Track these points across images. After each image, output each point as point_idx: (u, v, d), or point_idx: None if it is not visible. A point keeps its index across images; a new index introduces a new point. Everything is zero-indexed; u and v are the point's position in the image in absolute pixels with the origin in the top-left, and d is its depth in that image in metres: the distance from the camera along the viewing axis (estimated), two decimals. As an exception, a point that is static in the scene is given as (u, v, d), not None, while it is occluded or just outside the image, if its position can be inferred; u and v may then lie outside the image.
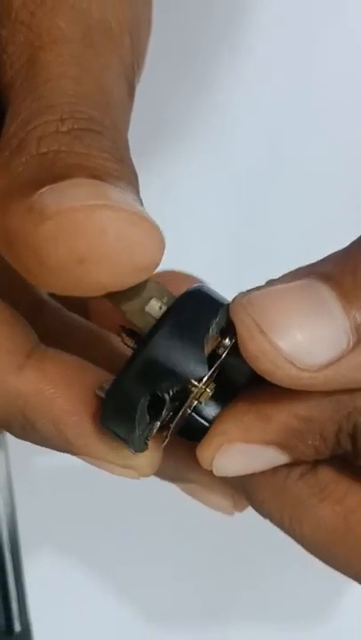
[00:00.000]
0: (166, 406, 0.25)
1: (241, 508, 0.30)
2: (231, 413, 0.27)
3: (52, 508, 0.32)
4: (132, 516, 0.44)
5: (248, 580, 0.46)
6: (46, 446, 0.27)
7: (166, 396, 0.24)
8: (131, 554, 0.45)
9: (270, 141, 0.47)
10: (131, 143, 0.43)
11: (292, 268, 0.44)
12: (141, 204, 0.25)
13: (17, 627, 0.30)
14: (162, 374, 0.24)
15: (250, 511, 0.29)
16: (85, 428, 0.26)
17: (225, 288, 0.38)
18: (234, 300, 0.25)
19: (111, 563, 0.45)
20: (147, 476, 0.27)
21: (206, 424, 0.27)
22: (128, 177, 0.24)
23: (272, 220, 0.47)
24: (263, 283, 0.30)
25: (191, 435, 0.27)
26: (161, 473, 0.30)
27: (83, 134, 0.24)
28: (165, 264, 0.37)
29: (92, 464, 0.27)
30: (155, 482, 0.30)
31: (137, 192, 0.25)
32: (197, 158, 0.47)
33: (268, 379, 0.25)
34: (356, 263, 0.25)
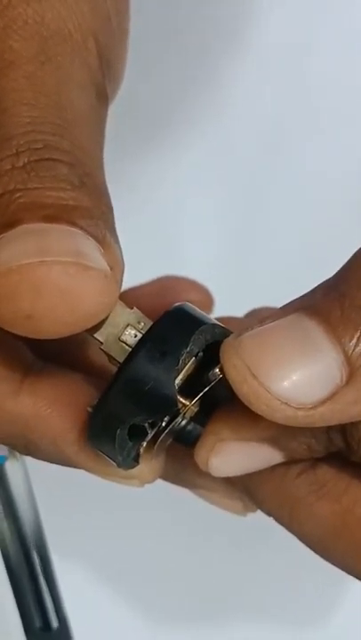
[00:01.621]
0: (148, 432, 0.25)
1: (252, 509, 0.30)
2: (222, 414, 0.27)
3: (54, 507, 0.33)
4: (132, 515, 0.44)
5: (248, 580, 0.46)
6: (51, 462, 0.28)
7: (145, 424, 0.25)
8: (130, 554, 0.46)
9: (269, 140, 0.47)
10: (128, 141, 0.43)
11: (291, 267, 0.43)
12: (106, 224, 0.25)
13: (54, 623, 0.31)
14: (132, 412, 0.25)
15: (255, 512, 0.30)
16: (83, 445, 0.27)
17: (223, 287, 0.38)
18: (224, 343, 0.25)
19: (110, 562, 0.46)
20: (149, 482, 0.28)
21: (200, 429, 0.27)
22: (87, 200, 0.24)
23: (271, 218, 0.47)
24: (261, 283, 0.30)
25: (188, 441, 0.28)
26: (169, 478, 0.30)
27: (38, 166, 0.24)
28: (163, 264, 0.37)
29: (95, 475, 0.28)
30: (159, 483, 0.30)
31: (100, 214, 0.25)
32: (195, 156, 0.47)
33: (265, 417, 0.25)
34: (342, 295, 0.25)
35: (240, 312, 0.36)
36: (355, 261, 0.26)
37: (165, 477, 0.30)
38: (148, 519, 0.45)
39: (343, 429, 0.26)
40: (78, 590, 0.36)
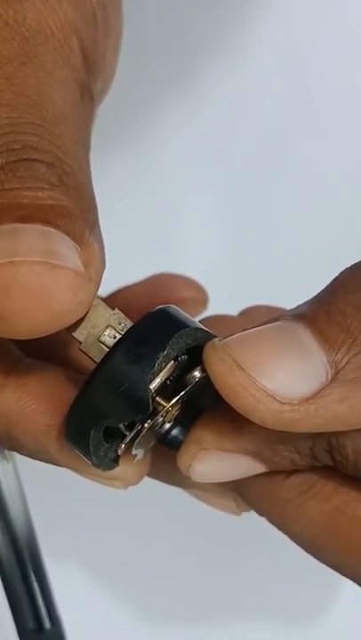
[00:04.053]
0: (126, 434, 0.25)
1: (246, 509, 0.30)
2: (206, 422, 0.27)
3: (48, 508, 0.34)
4: (126, 515, 0.44)
5: (245, 579, 0.46)
6: (35, 459, 0.28)
7: (120, 426, 0.25)
8: (124, 553, 0.46)
9: (269, 138, 0.47)
10: (128, 138, 0.43)
11: (291, 265, 0.43)
12: (86, 222, 0.25)
13: (47, 624, 0.31)
14: (105, 413, 0.24)
15: (250, 513, 0.29)
16: (64, 443, 0.27)
17: (223, 285, 0.38)
18: (209, 343, 0.25)
19: (104, 562, 0.46)
20: (133, 484, 0.28)
21: (186, 433, 0.27)
22: (66, 199, 0.24)
23: (271, 217, 0.47)
24: (260, 281, 0.29)
25: (173, 445, 0.27)
26: (161, 477, 0.30)
27: (16, 167, 0.24)
28: (163, 262, 0.37)
29: (79, 474, 0.28)
30: (154, 485, 0.30)
31: (80, 212, 0.24)
32: (195, 154, 0.47)
33: (248, 417, 0.24)
34: (328, 302, 0.25)
35: (240, 307, 0.36)
36: (340, 277, 0.26)
37: (158, 477, 0.30)
38: (142, 518, 0.45)
39: (330, 450, 0.26)
40: (71, 591, 0.36)
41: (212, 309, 0.37)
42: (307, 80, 0.46)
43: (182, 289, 0.36)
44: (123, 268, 0.35)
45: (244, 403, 0.24)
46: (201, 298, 0.36)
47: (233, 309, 0.36)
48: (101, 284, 0.34)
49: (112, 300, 0.36)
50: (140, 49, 0.45)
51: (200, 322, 0.33)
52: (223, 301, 0.37)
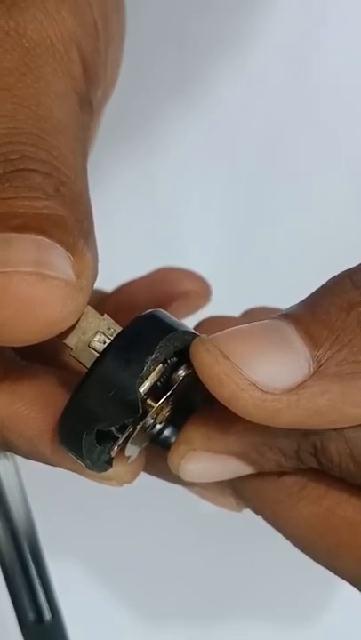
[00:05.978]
0: (118, 436, 0.26)
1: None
2: (195, 423, 0.27)
3: (47, 507, 0.34)
4: (132, 512, 0.45)
5: (248, 580, 0.47)
6: (30, 459, 0.29)
7: (112, 429, 0.25)
8: (123, 547, 0.46)
9: (271, 137, 0.47)
10: (130, 141, 0.43)
11: (293, 264, 0.43)
12: (80, 232, 0.25)
13: (47, 616, 0.32)
14: (96, 417, 0.25)
15: (249, 511, 0.30)
16: (59, 445, 0.27)
17: (225, 284, 0.38)
18: (196, 339, 0.26)
19: (104, 556, 0.46)
20: (128, 483, 0.29)
21: (175, 434, 0.28)
22: (61, 209, 0.25)
23: (273, 216, 0.47)
24: (262, 280, 0.30)
25: (165, 446, 0.28)
26: (162, 475, 0.31)
27: (13, 177, 0.25)
28: (165, 262, 0.38)
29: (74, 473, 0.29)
30: (154, 482, 0.31)
31: (74, 222, 0.25)
32: (198, 153, 0.48)
33: (230, 407, 0.25)
34: (314, 304, 0.26)
35: (242, 309, 0.37)
36: (327, 283, 0.27)
37: (158, 474, 0.31)
38: (142, 514, 0.45)
39: (315, 453, 0.26)
40: (71, 584, 0.36)
41: (215, 311, 0.37)
42: (309, 85, 0.47)
43: (185, 282, 0.36)
44: (125, 271, 0.36)
45: (228, 391, 0.25)
46: (204, 291, 0.36)
47: (235, 311, 0.36)
48: (105, 285, 0.35)
49: (116, 295, 0.36)
50: (141, 56, 0.45)
51: (201, 324, 0.33)
52: (225, 303, 0.37)
